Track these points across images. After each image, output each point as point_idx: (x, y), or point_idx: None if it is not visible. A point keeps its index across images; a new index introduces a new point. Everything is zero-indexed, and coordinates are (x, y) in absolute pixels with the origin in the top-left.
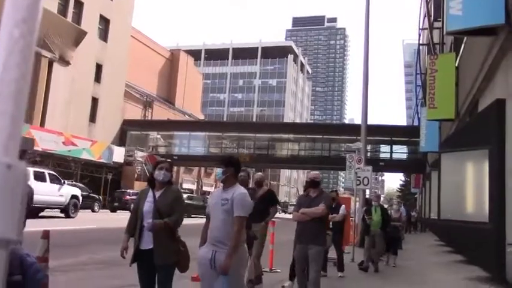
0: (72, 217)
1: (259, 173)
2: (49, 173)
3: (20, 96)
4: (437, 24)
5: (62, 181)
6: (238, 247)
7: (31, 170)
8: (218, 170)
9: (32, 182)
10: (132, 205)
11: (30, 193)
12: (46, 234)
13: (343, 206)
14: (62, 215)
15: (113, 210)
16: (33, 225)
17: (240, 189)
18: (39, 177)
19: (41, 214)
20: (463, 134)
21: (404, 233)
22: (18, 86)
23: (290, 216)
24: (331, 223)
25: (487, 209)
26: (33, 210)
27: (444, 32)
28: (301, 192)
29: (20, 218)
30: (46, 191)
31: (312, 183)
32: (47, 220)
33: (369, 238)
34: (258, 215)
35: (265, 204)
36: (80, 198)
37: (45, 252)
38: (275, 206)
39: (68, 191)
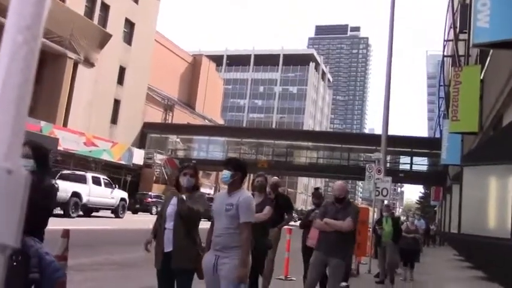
0: (121, 217)
1: (275, 177)
2: (103, 178)
3: (22, 102)
4: (462, 36)
5: (114, 185)
6: (249, 254)
7: (89, 175)
8: (225, 172)
9: (91, 186)
10: (153, 207)
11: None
12: (66, 233)
13: None
14: (112, 215)
15: (135, 212)
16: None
17: (245, 194)
18: (96, 181)
19: (94, 214)
20: (486, 148)
21: (423, 246)
22: (21, 91)
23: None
24: None
25: (510, 224)
26: (88, 210)
27: (470, 44)
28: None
29: (19, 224)
30: (101, 194)
31: (337, 201)
32: (93, 219)
33: (380, 249)
34: (272, 220)
35: (281, 210)
36: (127, 200)
37: (65, 251)
38: (291, 213)
39: (118, 194)
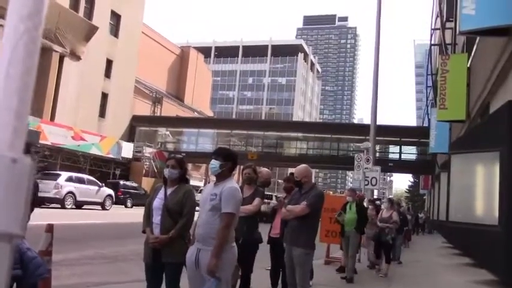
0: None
1: (266, 170)
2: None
3: (24, 91)
4: (449, 25)
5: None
6: (224, 246)
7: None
8: (213, 162)
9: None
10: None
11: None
12: (50, 228)
13: None
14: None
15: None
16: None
17: (230, 184)
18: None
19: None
20: (473, 136)
21: (412, 235)
22: (23, 81)
23: None
24: None
25: (497, 211)
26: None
27: (457, 32)
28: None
29: (25, 213)
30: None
31: (297, 185)
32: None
33: (344, 240)
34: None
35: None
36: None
37: (49, 246)
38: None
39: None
